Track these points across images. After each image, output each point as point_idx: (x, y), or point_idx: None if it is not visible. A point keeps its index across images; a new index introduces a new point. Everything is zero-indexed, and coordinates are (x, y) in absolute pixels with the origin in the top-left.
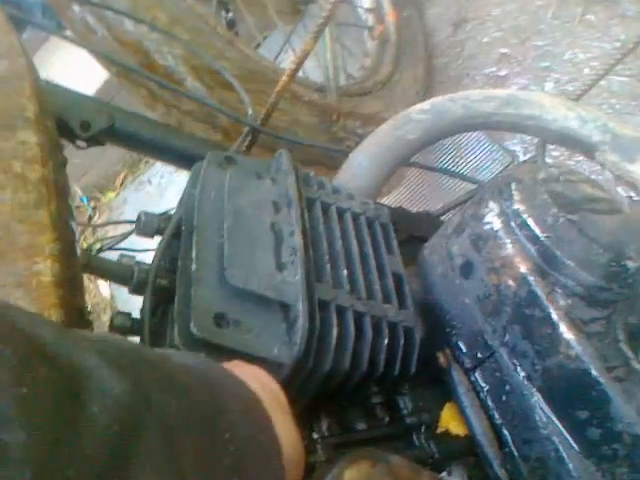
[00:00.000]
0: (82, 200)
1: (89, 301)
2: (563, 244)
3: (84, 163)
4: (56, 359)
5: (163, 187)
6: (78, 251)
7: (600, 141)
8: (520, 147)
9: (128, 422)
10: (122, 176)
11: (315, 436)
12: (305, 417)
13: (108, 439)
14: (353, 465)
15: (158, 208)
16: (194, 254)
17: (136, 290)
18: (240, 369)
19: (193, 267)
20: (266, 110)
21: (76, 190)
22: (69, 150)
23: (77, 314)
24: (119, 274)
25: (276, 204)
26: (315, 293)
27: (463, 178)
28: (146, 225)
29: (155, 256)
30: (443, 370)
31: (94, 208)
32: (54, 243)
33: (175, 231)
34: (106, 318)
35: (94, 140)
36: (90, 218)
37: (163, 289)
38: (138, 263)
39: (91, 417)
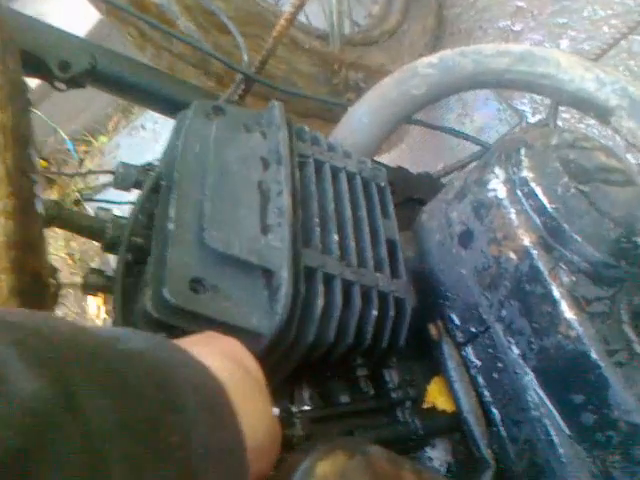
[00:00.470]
0: (67, 144)
1: (77, 247)
2: (572, 217)
3: (75, 105)
4: None
5: (157, 133)
6: (39, 207)
7: (617, 106)
8: (529, 107)
9: (38, 430)
10: (115, 120)
11: (294, 409)
12: (286, 386)
13: (8, 453)
14: (327, 457)
15: (151, 154)
16: (172, 212)
17: (109, 247)
18: (212, 342)
19: (170, 226)
20: (262, 57)
21: (62, 135)
22: (57, 91)
23: (32, 279)
24: (92, 229)
25: (265, 160)
26: (301, 259)
27: (468, 138)
28: (124, 178)
29: (131, 212)
30: (434, 343)
31: (86, 152)
32: (8, 198)
33: (154, 186)
34: (94, 266)
35: (74, 82)
36: (81, 162)
37: (139, 248)
38: (115, 218)
39: None
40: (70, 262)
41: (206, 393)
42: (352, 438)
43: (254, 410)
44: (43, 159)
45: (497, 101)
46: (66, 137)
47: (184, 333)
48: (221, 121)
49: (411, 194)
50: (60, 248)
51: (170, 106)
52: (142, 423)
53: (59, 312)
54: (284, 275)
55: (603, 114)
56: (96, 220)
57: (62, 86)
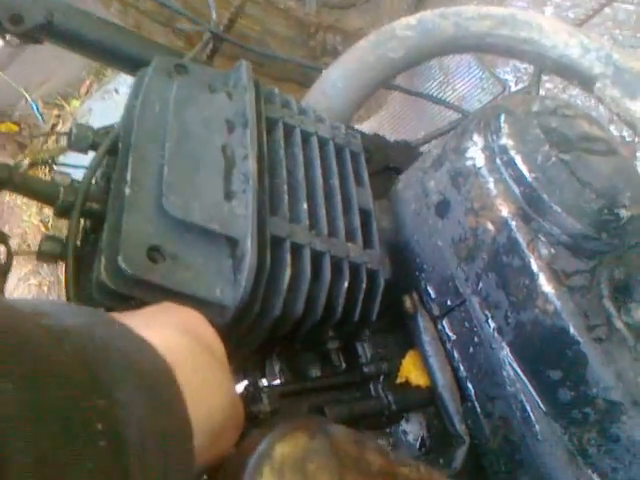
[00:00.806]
0: (32, 106)
1: (50, 214)
2: (552, 187)
3: (46, 68)
4: None
5: None
6: None
7: (601, 73)
8: (512, 76)
9: None
10: (87, 84)
11: (261, 384)
12: (255, 359)
13: None
14: (287, 438)
15: None
16: (128, 176)
17: (61, 213)
18: (168, 314)
19: (127, 191)
20: (230, 14)
21: (25, 95)
22: (28, 53)
23: None
24: (45, 193)
25: (230, 123)
26: (268, 228)
27: (448, 106)
28: (78, 139)
29: (85, 176)
30: (408, 316)
31: (58, 116)
32: None
33: (111, 148)
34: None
35: (28, 36)
36: (53, 127)
37: (95, 214)
38: (71, 182)
39: None
40: (43, 229)
41: (147, 373)
42: (315, 417)
43: (212, 389)
44: (14, 123)
45: (480, 69)
46: (29, 98)
47: (143, 305)
48: (183, 80)
49: (387, 162)
50: (33, 215)
51: (133, 64)
52: (56, 408)
53: (34, 281)
54: (248, 244)
55: (586, 81)
56: (50, 184)
57: (15, 40)
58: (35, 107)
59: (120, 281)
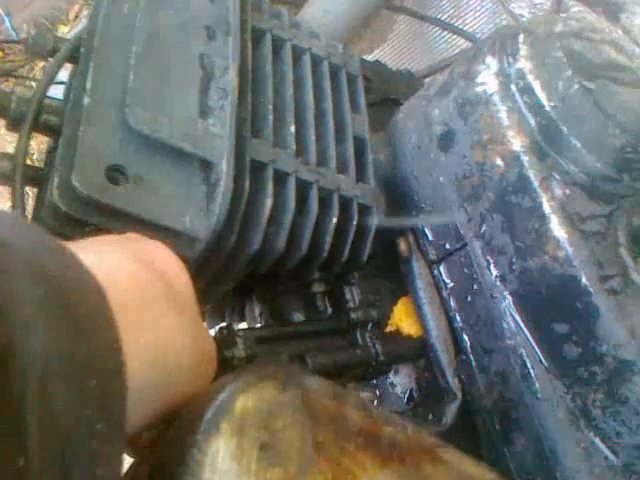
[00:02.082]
0: (5, 21)
1: (36, 147)
2: (573, 118)
3: None
4: None
5: None
6: None
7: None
8: (527, 12)
9: None
10: (76, 9)
11: (237, 327)
12: (234, 301)
13: None
14: (252, 389)
15: None
16: (88, 84)
17: (15, 125)
18: (125, 244)
19: (85, 100)
20: None
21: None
22: None
23: None
24: None
25: (210, 29)
26: (248, 151)
27: (458, 32)
28: (36, 42)
29: (39, 83)
30: (402, 260)
31: None
32: None
33: (74, 54)
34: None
35: None
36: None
37: (54, 129)
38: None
39: None
40: (28, 161)
41: (64, 289)
42: (288, 366)
43: (164, 323)
44: None
45: (493, 3)
46: (7, 19)
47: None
48: None
49: (388, 93)
50: None
51: None
52: None
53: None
54: (224, 167)
55: (613, 9)
56: (2, 92)
57: None
58: (8, 21)
59: (74, 204)
